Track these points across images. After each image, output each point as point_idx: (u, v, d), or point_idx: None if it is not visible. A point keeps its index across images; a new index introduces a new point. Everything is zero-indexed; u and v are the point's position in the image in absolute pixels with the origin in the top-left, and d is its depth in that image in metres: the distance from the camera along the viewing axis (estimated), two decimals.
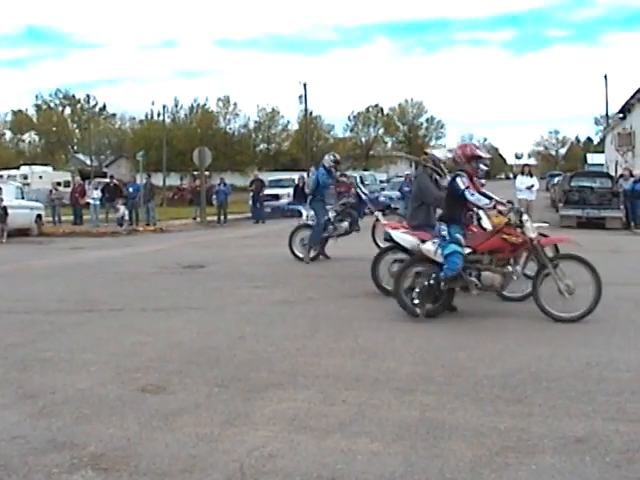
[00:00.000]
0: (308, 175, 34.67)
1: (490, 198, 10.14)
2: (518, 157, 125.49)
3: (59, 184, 41.18)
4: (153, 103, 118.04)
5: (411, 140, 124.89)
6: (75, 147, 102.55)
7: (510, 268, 9.98)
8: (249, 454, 5.16)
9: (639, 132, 50.05)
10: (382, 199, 39.61)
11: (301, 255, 17.38)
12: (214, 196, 37.43)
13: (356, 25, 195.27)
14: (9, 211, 27.07)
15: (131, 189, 34.58)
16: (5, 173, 52.28)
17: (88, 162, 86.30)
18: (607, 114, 62.66)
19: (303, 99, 69.05)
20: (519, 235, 9.82)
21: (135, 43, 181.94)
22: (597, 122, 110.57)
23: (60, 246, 24.22)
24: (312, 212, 17.66)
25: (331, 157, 18.18)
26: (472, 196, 9.70)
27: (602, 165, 64.98)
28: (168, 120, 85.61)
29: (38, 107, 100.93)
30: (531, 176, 27.48)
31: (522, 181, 26.87)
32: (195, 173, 46.19)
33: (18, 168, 60.22)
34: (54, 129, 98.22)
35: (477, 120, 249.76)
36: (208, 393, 6.70)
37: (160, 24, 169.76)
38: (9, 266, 17.85)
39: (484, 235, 10.21)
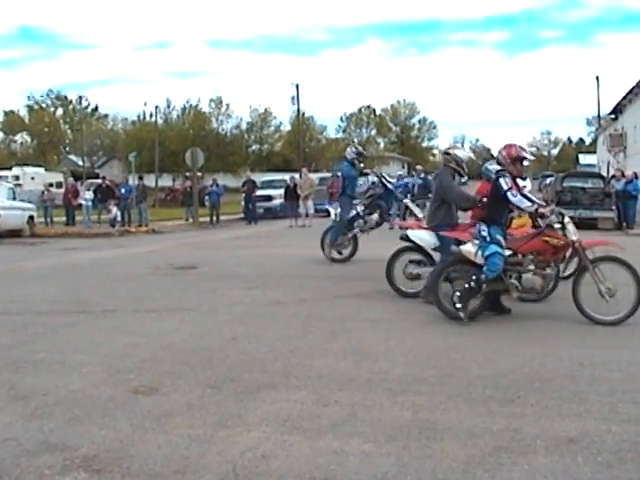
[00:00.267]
0: (300, 176, 34.65)
1: (532, 200, 10.07)
2: None
3: (51, 185, 41.22)
4: (145, 104, 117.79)
5: (403, 141, 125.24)
6: (67, 148, 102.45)
7: (550, 270, 9.92)
8: (242, 455, 5.16)
9: (631, 133, 50.13)
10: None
11: (335, 256, 17.15)
12: (206, 197, 37.43)
13: (348, 26, 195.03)
14: (1, 212, 27.00)
15: (123, 190, 34.57)
16: None
17: (80, 163, 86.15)
18: (599, 115, 62.74)
19: (295, 100, 69.13)
20: (561, 237, 9.75)
21: (127, 44, 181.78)
22: (589, 123, 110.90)
23: (52, 247, 24.17)
24: (339, 210, 17.13)
25: (353, 149, 17.80)
26: (514, 197, 9.60)
27: (594, 166, 65.13)
28: (160, 121, 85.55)
29: (30, 108, 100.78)
30: (524, 178, 27.49)
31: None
32: (187, 174, 46.13)
33: (10, 169, 60.26)
34: (46, 130, 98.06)
35: (470, 121, 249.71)
36: (201, 394, 6.69)
37: (153, 25, 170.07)
38: (1, 267, 17.80)
39: (525, 237, 10.13)
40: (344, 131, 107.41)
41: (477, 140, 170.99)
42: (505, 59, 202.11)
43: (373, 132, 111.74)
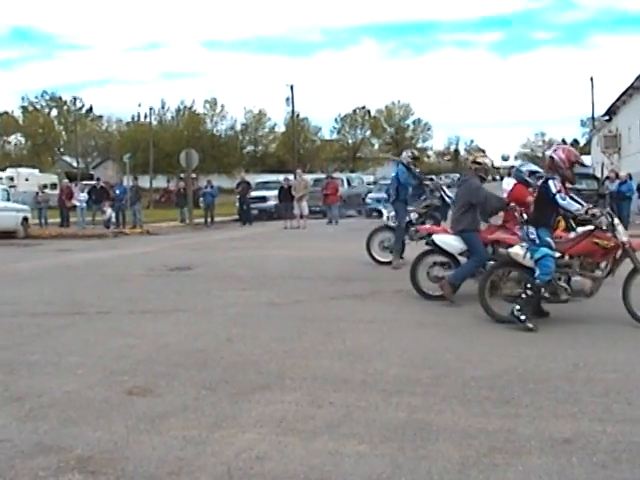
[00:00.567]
0: (295, 177, 34.68)
1: (579, 203, 10.02)
2: (505, 159, 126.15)
3: (45, 186, 41.12)
4: (140, 105, 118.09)
5: (398, 142, 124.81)
6: (62, 149, 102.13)
7: (599, 273, 9.85)
8: (237, 456, 5.16)
9: (625, 134, 50.21)
10: (369, 201, 39.79)
11: (380, 259, 16.82)
12: (201, 198, 37.45)
13: (343, 27, 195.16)
14: None
15: (118, 191, 34.55)
16: None
17: (75, 164, 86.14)
18: (593, 116, 62.96)
19: (290, 101, 69.20)
20: (610, 239, 9.71)
21: (122, 45, 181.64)
22: (583, 124, 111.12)
23: (47, 248, 24.15)
24: (393, 213, 16.79)
25: (409, 153, 17.49)
26: (563, 200, 9.48)
27: (588, 167, 65.20)
28: (155, 122, 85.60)
29: (24, 109, 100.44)
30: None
31: (509, 182, 26.55)
32: (182, 175, 46.14)
33: (4, 170, 60.13)
34: (40, 131, 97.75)
35: (464, 122, 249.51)
36: (195, 395, 6.69)
37: (147, 25, 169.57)
38: None
39: (574, 239, 10.07)
40: (339, 132, 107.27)
41: (472, 141, 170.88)
42: (499, 60, 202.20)
43: (368, 133, 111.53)
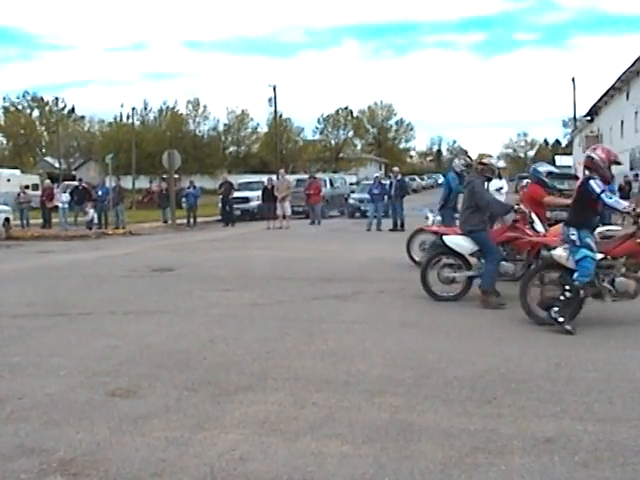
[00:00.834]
0: (277, 177, 34.65)
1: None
2: None
3: (27, 187, 40.85)
4: (122, 105, 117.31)
5: (381, 142, 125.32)
6: (43, 150, 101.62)
7: None
8: (219, 457, 5.16)
9: (606, 134, 50.51)
10: (352, 201, 39.81)
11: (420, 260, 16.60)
12: (183, 199, 37.33)
13: (325, 28, 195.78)
14: None
15: (100, 192, 34.38)
16: None
17: (57, 165, 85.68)
18: (575, 117, 63.24)
19: (273, 101, 69.06)
20: None
21: (103, 45, 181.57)
22: (565, 124, 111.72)
23: (28, 250, 24.02)
24: (439, 218, 16.45)
25: (461, 161, 17.16)
26: (610, 199, 9.32)
27: (570, 167, 65.46)
28: (137, 123, 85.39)
29: (6, 109, 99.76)
30: (500, 178, 27.44)
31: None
32: (164, 176, 45.99)
33: None
34: (22, 132, 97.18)
35: (446, 122, 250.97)
36: (178, 397, 6.68)
37: (129, 26, 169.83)
38: None
39: (617, 240, 10.00)
40: (321, 133, 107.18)
41: (454, 142, 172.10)
42: (481, 61, 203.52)
43: (350, 134, 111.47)
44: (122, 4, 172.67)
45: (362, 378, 7.23)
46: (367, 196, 32.72)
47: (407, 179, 50.17)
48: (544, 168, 13.37)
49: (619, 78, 44.16)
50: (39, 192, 40.32)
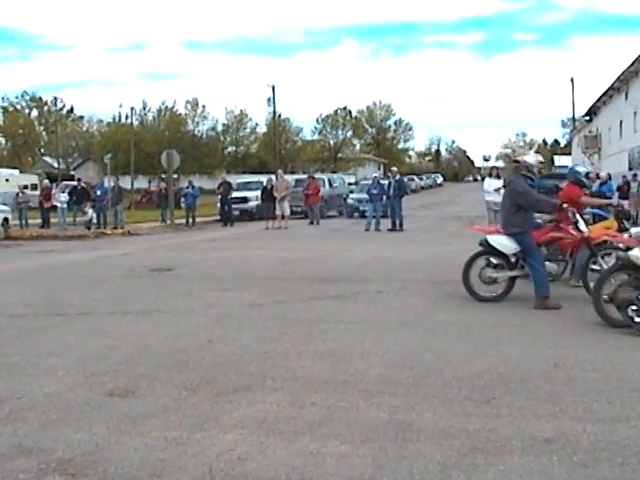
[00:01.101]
0: (276, 178, 34.63)
1: None
2: (486, 159, 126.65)
3: (26, 187, 40.81)
4: (121, 105, 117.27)
5: (379, 142, 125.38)
6: (42, 150, 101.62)
7: None
8: (218, 457, 5.15)
9: (605, 134, 50.51)
10: (351, 202, 39.81)
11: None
12: (182, 199, 37.32)
13: (324, 28, 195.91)
14: None
15: (99, 192, 34.40)
16: None
17: (55, 165, 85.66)
18: (574, 117, 63.32)
19: (271, 101, 69.00)
20: None
21: (102, 45, 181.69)
22: (564, 124, 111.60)
23: (27, 250, 24.03)
24: None
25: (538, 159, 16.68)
26: None
27: (567, 167, 65.40)
28: (136, 123, 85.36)
29: (4, 109, 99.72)
30: (499, 178, 27.51)
31: (490, 183, 26.93)
32: (163, 176, 46.00)
33: None
34: (21, 132, 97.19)
35: (445, 122, 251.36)
36: (176, 397, 6.68)
37: (127, 26, 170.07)
38: None
39: None
40: (320, 133, 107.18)
41: (453, 142, 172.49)
42: (480, 61, 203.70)
43: (349, 134, 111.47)
44: (121, 4, 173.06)
45: (361, 378, 7.22)
46: (366, 196, 32.72)
47: (406, 179, 50.14)
48: (582, 169, 13.45)
49: (618, 78, 44.11)
50: (38, 192, 40.32)
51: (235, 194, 37.77)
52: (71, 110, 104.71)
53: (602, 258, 11.54)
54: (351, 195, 41.96)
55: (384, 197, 30.56)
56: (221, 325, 9.99)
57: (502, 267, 11.73)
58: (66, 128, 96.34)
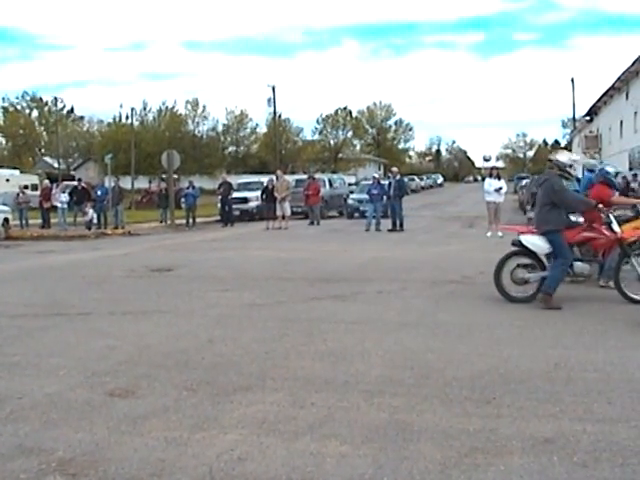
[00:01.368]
0: (277, 178, 34.61)
1: None
2: (486, 159, 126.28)
3: (26, 187, 40.83)
4: (121, 106, 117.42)
5: (380, 143, 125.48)
6: (43, 150, 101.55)
7: None
8: (218, 458, 5.15)
9: (606, 134, 50.54)
10: (351, 202, 39.80)
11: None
12: (182, 199, 37.31)
13: (324, 28, 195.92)
14: None
15: (99, 192, 34.42)
16: None
17: (56, 165, 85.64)
18: (574, 117, 63.24)
19: (272, 102, 68.99)
20: None
21: (102, 45, 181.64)
22: (564, 125, 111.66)
23: (28, 250, 24.03)
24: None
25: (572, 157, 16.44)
26: None
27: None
28: (136, 123, 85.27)
29: (5, 109, 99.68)
30: (499, 178, 27.49)
31: (490, 183, 26.90)
32: (163, 176, 45.98)
33: None
34: (21, 132, 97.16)
35: (445, 122, 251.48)
36: (177, 397, 6.68)
37: (127, 26, 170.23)
38: None
39: None
40: (320, 133, 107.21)
41: (453, 142, 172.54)
42: (481, 61, 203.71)
43: (349, 134, 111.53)
44: (121, 4, 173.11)
45: (361, 378, 7.22)
46: (366, 196, 32.72)
47: (406, 179, 50.18)
48: (612, 169, 13.43)
49: (618, 78, 44.18)
50: (38, 192, 40.33)
51: (235, 194, 37.76)
52: (71, 110, 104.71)
53: (636, 258, 11.49)
54: (351, 195, 41.95)
55: (384, 197, 30.56)
56: (221, 325, 9.99)
57: (534, 267, 11.67)
58: (66, 128, 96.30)
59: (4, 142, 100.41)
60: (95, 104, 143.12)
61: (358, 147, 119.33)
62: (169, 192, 36.27)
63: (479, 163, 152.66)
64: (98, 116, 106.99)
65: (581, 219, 12.19)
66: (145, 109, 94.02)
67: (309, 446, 5.36)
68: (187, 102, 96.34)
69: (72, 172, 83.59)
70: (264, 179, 37.64)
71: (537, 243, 11.42)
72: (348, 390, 6.82)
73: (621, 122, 45.99)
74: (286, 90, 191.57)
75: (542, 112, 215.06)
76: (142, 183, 72.29)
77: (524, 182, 52.25)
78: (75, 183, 38.60)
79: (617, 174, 13.08)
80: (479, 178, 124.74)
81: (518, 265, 11.69)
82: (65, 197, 35.15)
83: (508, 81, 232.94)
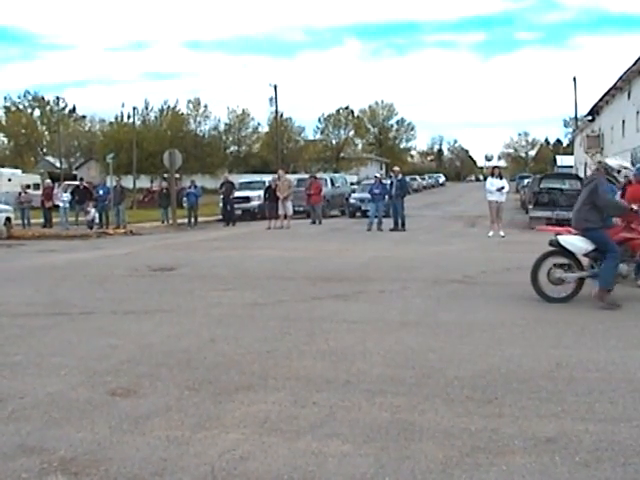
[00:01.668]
0: (278, 178, 34.57)
1: None
2: (488, 159, 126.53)
3: (28, 187, 40.81)
4: (123, 105, 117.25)
5: (381, 142, 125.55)
6: (44, 149, 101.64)
7: None
8: (220, 457, 5.15)
9: (607, 134, 50.50)
10: (353, 201, 39.80)
11: None
12: (184, 198, 37.31)
13: (326, 27, 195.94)
14: None
15: (101, 191, 34.44)
16: None
17: (58, 165, 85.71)
18: (576, 116, 63.23)
19: (273, 101, 69.07)
20: None
21: (104, 44, 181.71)
22: (566, 124, 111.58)
23: (30, 249, 24.02)
24: None
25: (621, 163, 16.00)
26: None
27: (571, 167, 65.59)
28: (138, 122, 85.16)
29: (7, 109, 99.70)
30: (501, 178, 27.47)
31: (492, 183, 26.87)
32: (165, 175, 45.98)
33: None
34: (23, 131, 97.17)
35: (447, 122, 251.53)
36: (179, 396, 6.68)
37: (129, 26, 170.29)
38: None
39: None
40: (322, 132, 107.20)
41: (455, 141, 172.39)
42: (482, 60, 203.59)
43: (351, 133, 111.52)
44: (122, 4, 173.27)
45: (363, 378, 7.22)
46: (368, 196, 32.68)
47: (408, 179, 50.16)
48: None
49: (620, 77, 44.10)
50: (40, 192, 40.34)
51: (237, 194, 37.76)
52: (73, 110, 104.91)
53: None
54: (353, 195, 41.90)
55: (386, 197, 30.53)
56: (223, 324, 9.98)
57: (571, 268, 11.63)
58: (68, 128, 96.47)
59: (6, 141, 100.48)
60: (96, 104, 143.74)
61: (360, 146, 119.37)
62: (171, 191, 36.28)
63: (481, 162, 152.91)
64: (100, 115, 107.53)
65: (618, 220, 12.16)
66: (147, 108, 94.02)
67: (311, 445, 5.36)
68: (189, 101, 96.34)
69: (74, 171, 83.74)
70: (266, 178, 37.66)
71: (575, 243, 11.38)
72: (350, 389, 6.82)
73: (623, 121, 45.91)
74: (288, 89, 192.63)
75: (544, 112, 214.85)
76: (144, 182, 72.24)
77: (526, 181, 52.30)
78: (77, 182, 38.64)
79: None
80: (481, 177, 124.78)
81: (555, 265, 11.65)
82: (67, 196, 35.16)
83: (510, 80, 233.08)
